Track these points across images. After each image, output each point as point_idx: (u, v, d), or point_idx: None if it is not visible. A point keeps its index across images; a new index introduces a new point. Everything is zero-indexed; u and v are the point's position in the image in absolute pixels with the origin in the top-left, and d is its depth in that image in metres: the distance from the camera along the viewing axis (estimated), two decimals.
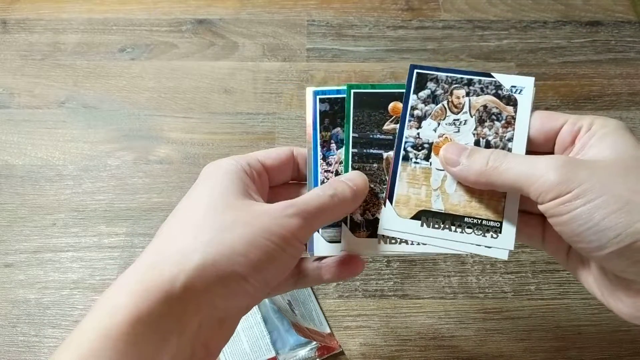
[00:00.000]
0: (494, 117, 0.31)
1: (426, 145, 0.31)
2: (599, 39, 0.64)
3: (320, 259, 0.33)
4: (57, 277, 0.49)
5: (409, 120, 0.31)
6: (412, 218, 0.31)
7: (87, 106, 0.59)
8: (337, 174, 0.33)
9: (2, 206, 0.53)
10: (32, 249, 0.51)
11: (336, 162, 0.33)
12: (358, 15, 0.65)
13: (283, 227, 0.27)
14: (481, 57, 0.61)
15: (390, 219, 0.31)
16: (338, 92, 0.33)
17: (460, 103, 0.31)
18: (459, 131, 0.31)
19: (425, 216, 0.31)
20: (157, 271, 0.25)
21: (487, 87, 0.31)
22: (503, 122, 0.31)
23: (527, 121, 0.30)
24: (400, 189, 0.31)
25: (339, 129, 0.33)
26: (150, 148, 0.56)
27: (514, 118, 0.31)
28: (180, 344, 0.25)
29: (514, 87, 0.31)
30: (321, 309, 0.48)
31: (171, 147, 0.56)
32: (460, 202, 0.31)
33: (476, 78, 0.31)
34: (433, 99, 0.32)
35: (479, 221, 0.30)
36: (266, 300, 0.45)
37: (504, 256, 0.30)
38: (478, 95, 0.31)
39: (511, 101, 0.31)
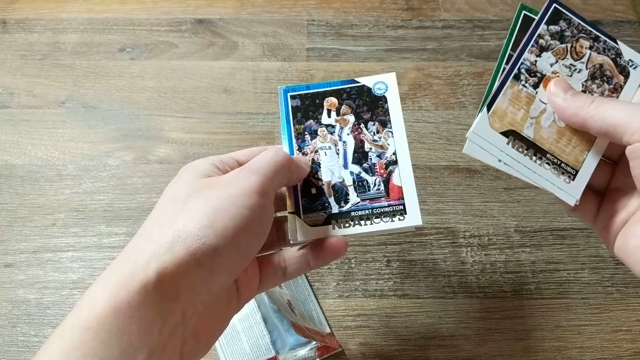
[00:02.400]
0: (605, 78, 0.32)
1: (539, 75, 0.32)
2: None
3: (304, 246, 0.34)
4: (57, 277, 0.49)
5: (532, 45, 0.32)
6: (502, 133, 0.32)
7: (87, 106, 0.59)
8: (313, 162, 0.35)
9: (2, 206, 0.53)
10: (32, 249, 0.51)
11: (311, 152, 0.35)
12: (358, 15, 0.64)
13: (240, 187, 0.28)
14: (481, 57, 0.61)
15: (483, 126, 0.32)
16: (308, 87, 0.36)
17: (582, 52, 0.33)
18: (571, 76, 0.32)
19: (513, 137, 0.32)
20: (131, 262, 0.26)
21: (608, 50, 0.33)
22: (611, 86, 0.32)
23: (632, 94, 0.32)
24: (501, 102, 0.32)
25: (311, 121, 0.35)
26: (150, 148, 0.56)
27: (621, 87, 0.32)
28: (163, 334, 0.25)
29: (632, 61, 0.32)
30: (321, 308, 0.48)
31: (171, 146, 0.56)
32: (548, 138, 0.32)
33: (603, 37, 0.33)
34: (560, 37, 0.33)
35: (559, 162, 0.32)
36: (266, 300, 0.45)
37: (572, 202, 0.32)
38: (599, 52, 0.32)
39: (625, 71, 0.32)
